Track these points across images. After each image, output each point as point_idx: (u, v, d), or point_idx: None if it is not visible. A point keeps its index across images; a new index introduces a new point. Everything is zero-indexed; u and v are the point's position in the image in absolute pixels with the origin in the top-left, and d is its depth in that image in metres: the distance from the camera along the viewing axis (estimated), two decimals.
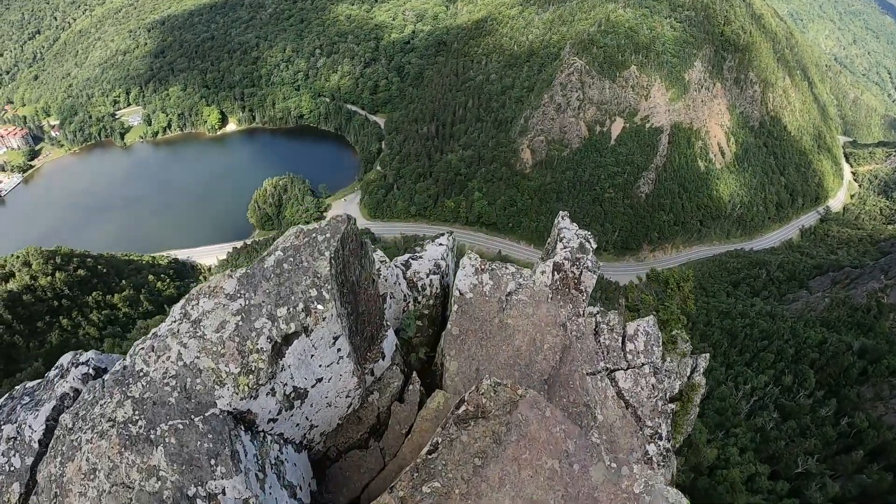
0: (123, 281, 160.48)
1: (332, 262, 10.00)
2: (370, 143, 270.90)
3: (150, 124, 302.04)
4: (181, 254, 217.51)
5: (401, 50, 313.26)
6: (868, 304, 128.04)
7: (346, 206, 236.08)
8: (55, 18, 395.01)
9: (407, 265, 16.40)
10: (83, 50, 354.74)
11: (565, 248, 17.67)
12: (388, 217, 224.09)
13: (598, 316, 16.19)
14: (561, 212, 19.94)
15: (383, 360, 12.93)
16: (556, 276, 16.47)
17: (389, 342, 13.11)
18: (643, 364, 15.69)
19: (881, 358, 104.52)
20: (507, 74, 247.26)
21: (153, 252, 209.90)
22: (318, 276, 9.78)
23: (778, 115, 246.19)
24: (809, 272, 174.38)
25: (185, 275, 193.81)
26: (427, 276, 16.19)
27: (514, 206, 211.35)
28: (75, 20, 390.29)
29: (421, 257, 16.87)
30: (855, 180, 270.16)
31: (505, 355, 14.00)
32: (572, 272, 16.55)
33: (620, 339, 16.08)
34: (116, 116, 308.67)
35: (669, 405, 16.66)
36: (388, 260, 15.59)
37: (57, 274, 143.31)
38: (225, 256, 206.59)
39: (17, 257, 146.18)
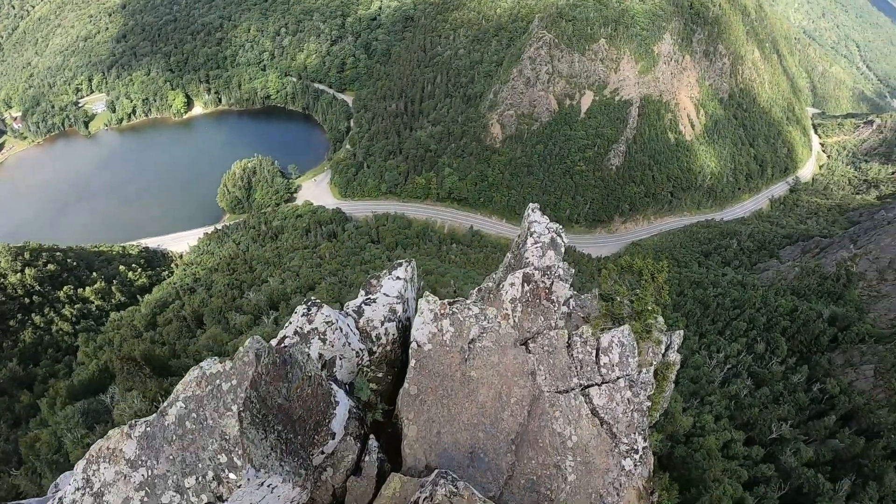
0: (94, 273, 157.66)
1: (243, 415, 8.73)
2: (339, 121, 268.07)
3: (114, 111, 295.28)
4: (152, 242, 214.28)
5: (367, 27, 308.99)
6: (838, 272, 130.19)
7: (316, 185, 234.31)
8: (13, 7, 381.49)
9: (360, 312, 15.34)
10: (43, 38, 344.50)
11: (536, 243, 17.29)
12: (359, 196, 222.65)
13: (569, 328, 15.51)
14: (531, 204, 19.34)
15: (333, 438, 11.77)
16: (527, 288, 15.87)
17: (339, 419, 11.90)
18: (618, 378, 15.31)
19: (851, 325, 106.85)
20: (475, 49, 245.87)
21: (123, 242, 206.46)
22: (226, 437, 8.49)
23: (747, 88, 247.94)
24: (780, 242, 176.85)
25: (156, 263, 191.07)
26: (382, 325, 15.13)
27: (484, 180, 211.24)
28: (34, 7, 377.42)
29: (375, 301, 15.70)
30: (824, 151, 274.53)
31: (468, 414, 13.16)
32: (543, 282, 15.98)
33: (594, 351, 15.63)
34: (80, 105, 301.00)
35: (646, 403, 16.37)
36: (334, 321, 13.85)
37: (26, 270, 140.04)
38: (196, 242, 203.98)
39: None
